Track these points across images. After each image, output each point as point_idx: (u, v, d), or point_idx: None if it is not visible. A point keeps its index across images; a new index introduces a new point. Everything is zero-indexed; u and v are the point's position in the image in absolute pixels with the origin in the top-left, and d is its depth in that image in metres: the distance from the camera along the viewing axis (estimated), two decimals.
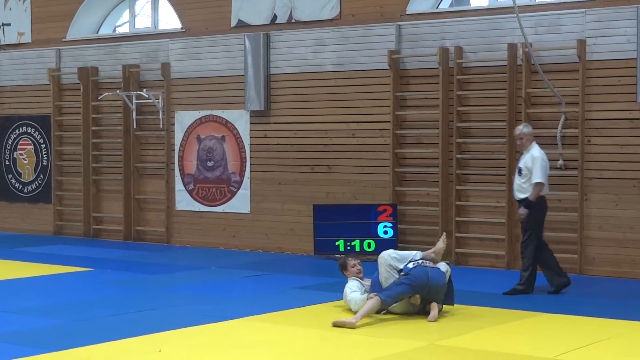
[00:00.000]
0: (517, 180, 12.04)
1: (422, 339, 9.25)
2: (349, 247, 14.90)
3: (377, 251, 14.50)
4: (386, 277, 10.36)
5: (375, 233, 14.88)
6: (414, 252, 10.67)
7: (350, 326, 9.70)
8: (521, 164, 12.00)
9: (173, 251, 16.70)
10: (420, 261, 10.50)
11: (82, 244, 17.51)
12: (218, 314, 10.49)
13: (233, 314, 10.50)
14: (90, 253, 16.18)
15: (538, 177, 11.86)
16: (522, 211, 11.95)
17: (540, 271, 12.12)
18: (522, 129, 12.11)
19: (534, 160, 11.92)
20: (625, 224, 13.32)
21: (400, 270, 10.36)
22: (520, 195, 12.00)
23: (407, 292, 10.20)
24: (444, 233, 10.89)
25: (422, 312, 10.25)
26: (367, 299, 10.17)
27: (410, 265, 10.38)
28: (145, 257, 15.91)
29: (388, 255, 10.51)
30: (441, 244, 10.81)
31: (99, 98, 18.07)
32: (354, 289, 10.54)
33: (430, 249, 10.86)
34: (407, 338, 9.29)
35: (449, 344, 9.07)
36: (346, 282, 10.78)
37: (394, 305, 10.26)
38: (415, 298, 10.26)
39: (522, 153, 12.16)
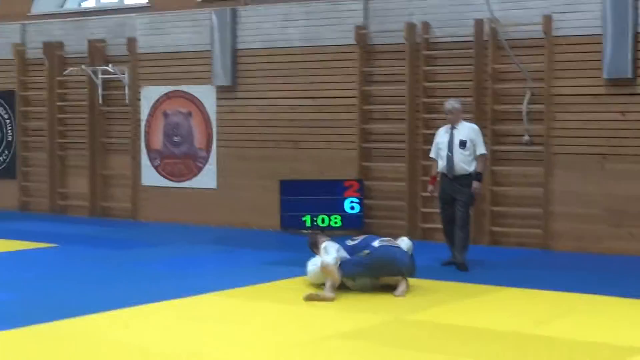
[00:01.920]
0: (460, 154, 11.91)
1: (389, 313, 9.29)
2: (315, 223, 14.91)
3: (344, 227, 14.66)
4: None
5: (342, 208, 14.91)
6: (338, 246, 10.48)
7: (330, 299, 9.79)
8: (462, 137, 11.94)
9: (139, 227, 16.66)
10: (386, 239, 10.52)
11: (48, 220, 17.43)
12: (185, 289, 10.48)
13: (200, 289, 10.50)
14: (56, 229, 16.10)
15: (484, 149, 12.04)
16: (477, 185, 11.97)
17: (446, 242, 12.20)
18: (454, 104, 12.13)
19: (477, 133, 12.00)
20: (589, 200, 13.42)
21: (353, 247, 10.35)
22: (466, 168, 11.91)
23: (362, 274, 10.20)
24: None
25: (388, 287, 10.28)
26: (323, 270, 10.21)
27: (376, 244, 10.38)
28: (111, 232, 15.86)
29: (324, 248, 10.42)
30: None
31: (64, 73, 17.94)
32: (316, 263, 10.57)
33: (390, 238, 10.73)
34: (374, 312, 9.33)
35: (415, 318, 9.13)
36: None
37: (351, 282, 10.28)
38: (383, 280, 10.30)
39: (452, 127, 12.11)
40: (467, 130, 12.03)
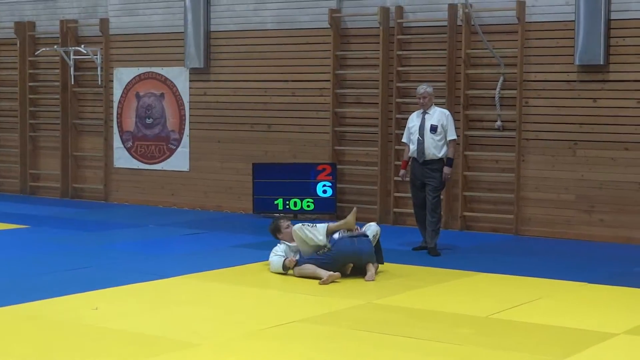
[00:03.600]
0: (431, 139, 11.93)
1: (360, 298, 9.31)
2: (287, 206, 14.91)
3: (316, 210, 14.68)
4: (309, 252, 10.37)
5: (315, 192, 14.90)
6: (321, 226, 10.45)
7: (336, 277, 10.02)
8: (434, 122, 11.96)
9: (111, 209, 16.61)
10: (346, 232, 10.50)
11: (19, 201, 17.34)
12: (156, 272, 10.48)
13: (171, 272, 10.49)
14: (27, 210, 16.03)
15: (455, 134, 12.11)
16: (448, 171, 12.00)
17: (418, 227, 12.25)
18: (426, 88, 12.12)
19: (447, 118, 12.04)
20: (560, 185, 13.49)
21: (316, 245, 10.33)
22: (436, 153, 11.93)
23: (328, 266, 10.19)
24: (355, 208, 10.77)
25: (358, 272, 10.29)
26: (285, 262, 10.30)
27: (336, 236, 10.37)
28: (83, 214, 15.80)
29: (300, 230, 10.37)
30: (350, 217, 10.48)
31: (35, 53, 17.82)
32: (277, 253, 10.57)
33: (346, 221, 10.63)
34: (345, 297, 9.35)
35: (386, 303, 9.15)
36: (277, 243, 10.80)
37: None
38: (347, 267, 10.30)
39: (424, 112, 12.12)
40: (438, 115, 12.04)
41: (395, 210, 14.64)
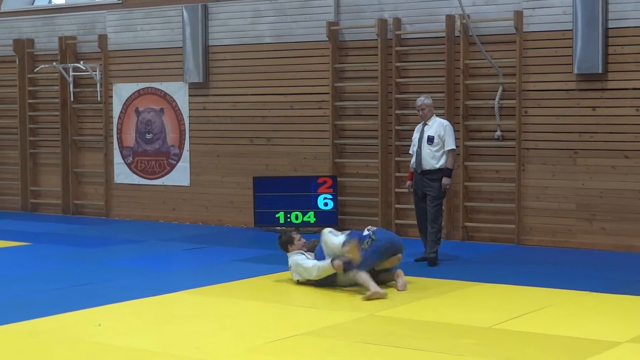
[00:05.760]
0: (428, 150, 12.05)
1: (362, 310, 9.31)
2: (289, 219, 14.91)
3: (317, 223, 14.66)
4: (328, 253, 10.34)
5: (315, 205, 14.90)
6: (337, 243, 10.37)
7: (381, 296, 9.84)
8: (431, 133, 12.07)
9: (112, 225, 16.61)
10: (373, 228, 10.58)
11: (20, 218, 17.34)
12: (158, 287, 10.47)
13: (173, 287, 10.49)
14: (28, 227, 16.02)
15: (453, 144, 12.13)
16: (447, 181, 12.07)
17: (421, 238, 12.32)
18: (424, 100, 12.23)
19: (445, 129, 12.09)
20: (561, 194, 13.48)
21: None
22: (434, 164, 12.02)
23: (375, 260, 10.25)
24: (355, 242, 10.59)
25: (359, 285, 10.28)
26: (334, 264, 10.12)
27: (367, 232, 10.41)
28: (84, 230, 15.80)
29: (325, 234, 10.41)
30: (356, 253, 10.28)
31: (35, 70, 17.85)
32: (306, 259, 10.51)
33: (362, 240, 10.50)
34: (347, 309, 9.35)
35: (389, 315, 9.14)
36: (286, 257, 10.73)
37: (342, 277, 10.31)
38: (392, 260, 10.40)
39: (424, 124, 12.20)
40: (437, 126, 12.13)
41: (397, 221, 14.64)
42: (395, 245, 10.49)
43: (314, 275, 10.36)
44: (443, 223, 13.07)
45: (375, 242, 10.29)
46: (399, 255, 10.55)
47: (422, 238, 12.29)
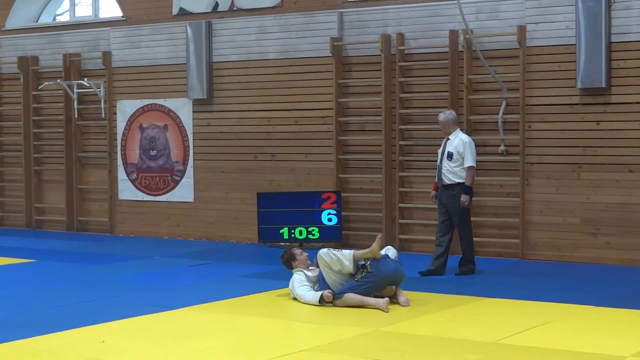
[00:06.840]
0: (447, 165, 12.17)
1: (367, 325, 9.29)
2: (293, 235, 14.90)
3: (321, 239, 14.65)
4: (333, 279, 10.30)
5: (320, 220, 14.90)
6: (347, 252, 10.30)
7: (385, 304, 9.92)
8: (450, 149, 12.17)
9: (116, 241, 16.61)
10: (390, 249, 10.57)
11: (24, 235, 17.35)
12: (162, 304, 10.46)
13: (177, 303, 10.47)
14: (33, 244, 16.03)
15: (471, 161, 12.15)
16: (465, 198, 12.11)
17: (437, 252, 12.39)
18: (443, 115, 12.36)
19: (465, 145, 12.11)
20: (565, 208, 13.47)
21: (339, 272, 10.25)
22: (453, 179, 12.14)
23: (370, 290, 10.17)
24: (380, 234, 10.65)
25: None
26: (324, 295, 10.10)
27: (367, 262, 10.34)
28: (89, 247, 15.80)
29: (326, 254, 10.22)
30: (375, 246, 10.26)
31: (39, 87, 17.90)
32: (302, 283, 10.45)
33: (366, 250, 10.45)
34: (352, 325, 9.33)
35: (394, 330, 9.12)
36: (291, 274, 10.70)
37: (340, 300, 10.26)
38: (390, 289, 10.32)
39: (447, 139, 12.27)
40: (457, 142, 12.20)
41: (401, 237, 14.63)
42: (391, 278, 10.29)
43: (303, 302, 10.35)
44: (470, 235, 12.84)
45: (369, 274, 10.19)
46: (395, 285, 10.38)
47: (435, 250, 12.33)
